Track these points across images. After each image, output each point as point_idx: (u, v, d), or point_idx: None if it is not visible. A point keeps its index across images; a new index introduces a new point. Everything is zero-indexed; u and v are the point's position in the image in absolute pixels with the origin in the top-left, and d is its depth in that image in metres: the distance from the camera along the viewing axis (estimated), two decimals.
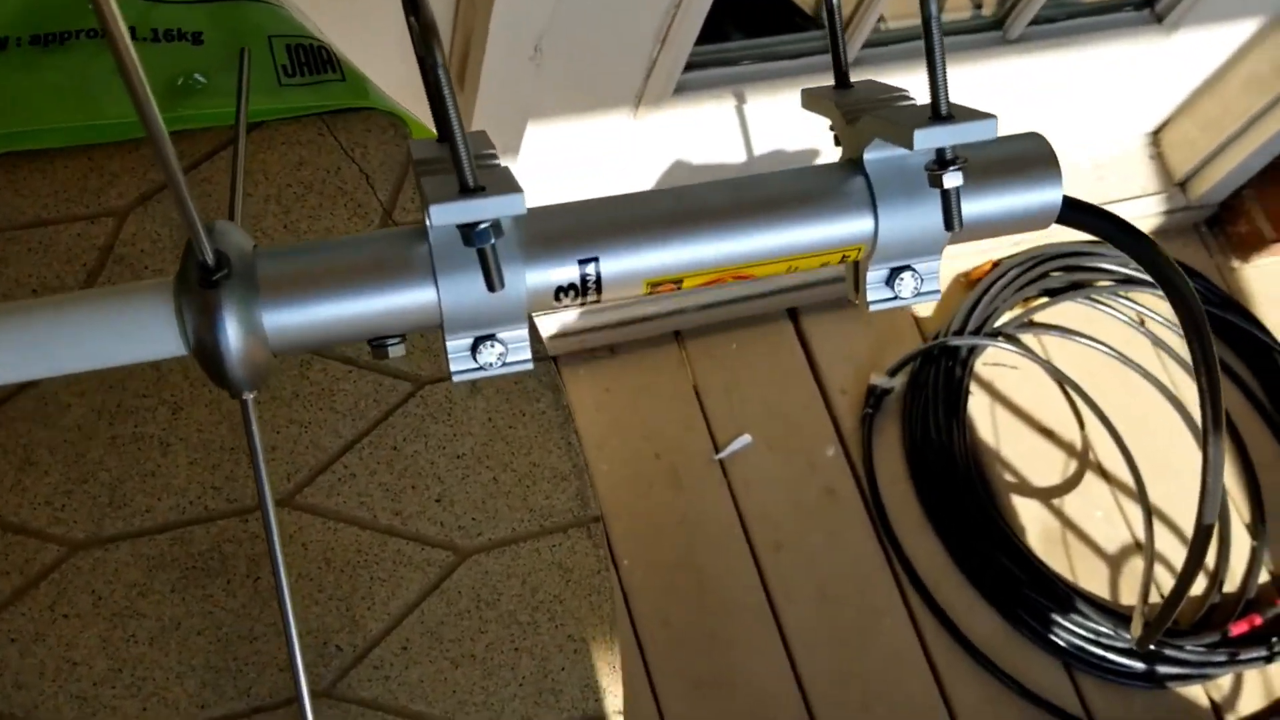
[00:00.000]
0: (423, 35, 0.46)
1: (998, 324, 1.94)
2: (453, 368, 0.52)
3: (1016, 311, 1.97)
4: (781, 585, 1.73)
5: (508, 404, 0.70)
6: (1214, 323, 2.02)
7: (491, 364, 0.52)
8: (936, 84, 0.50)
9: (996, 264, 1.97)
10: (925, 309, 1.95)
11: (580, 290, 0.52)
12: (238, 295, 0.49)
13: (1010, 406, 1.92)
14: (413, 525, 0.66)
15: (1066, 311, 1.98)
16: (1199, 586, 1.83)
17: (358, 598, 0.64)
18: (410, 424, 0.68)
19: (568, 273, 0.51)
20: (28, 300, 0.47)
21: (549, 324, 1.71)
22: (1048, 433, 1.91)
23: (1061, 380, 1.93)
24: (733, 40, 1.60)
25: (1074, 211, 0.58)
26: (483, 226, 0.46)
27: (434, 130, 0.87)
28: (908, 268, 0.57)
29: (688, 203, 0.54)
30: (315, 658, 0.62)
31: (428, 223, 0.48)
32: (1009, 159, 0.55)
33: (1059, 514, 1.84)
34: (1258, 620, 1.79)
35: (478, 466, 0.68)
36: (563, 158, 1.54)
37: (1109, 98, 1.93)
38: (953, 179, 0.50)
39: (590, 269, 0.52)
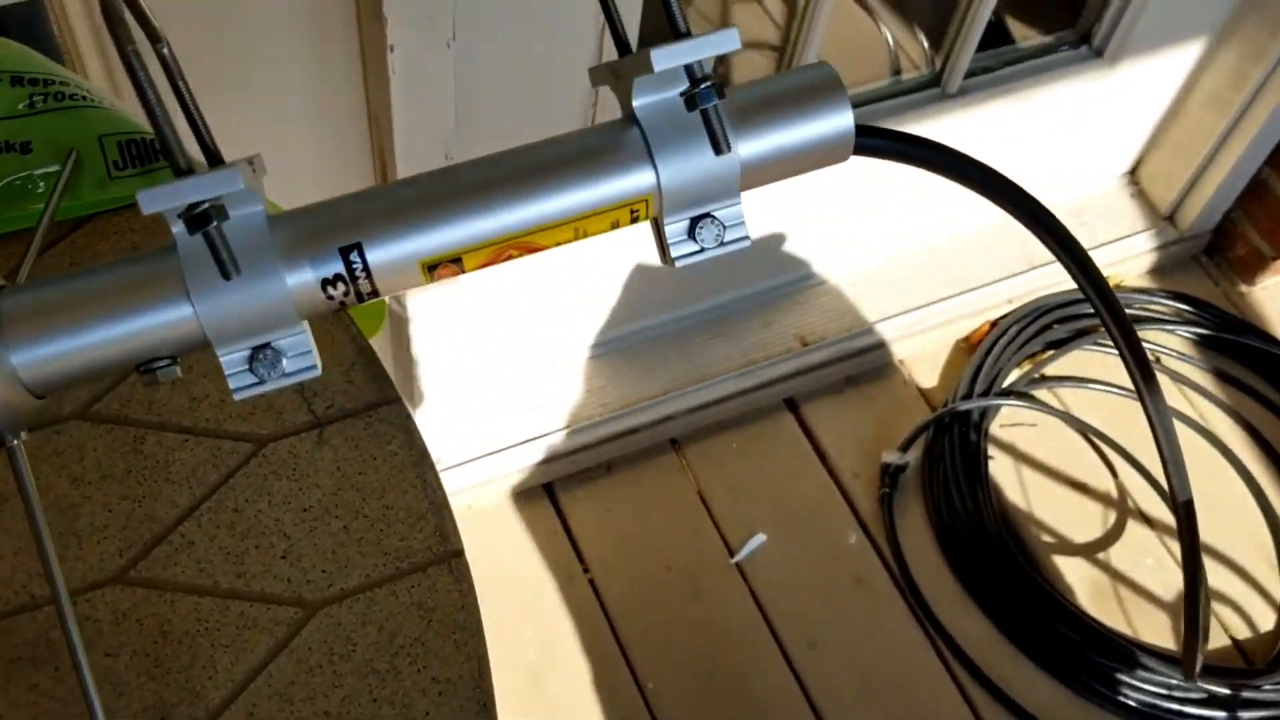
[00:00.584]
0: (108, 19, 0.44)
1: (1006, 383, 1.87)
2: (231, 385, 0.49)
3: (1024, 368, 1.90)
4: (821, 684, 1.62)
5: (356, 451, 0.66)
6: (1232, 348, 1.93)
7: (270, 374, 0.49)
8: (670, 4, 0.48)
9: (994, 324, 1.92)
10: (929, 378, 1.88)
11: (349, 280, 0.49)
12: None
13: (1035, 465, 1.82)
14: (257, 585, 0.61)
15: (1076, 361, 1.91)
16: (1267, 620, 1.69)
17: (198, 668, 0.59)
18: (252, 484, 0.65)
19: (330, 264, 0.48)
20: None
21: (535, 450, 1.67)
22: (1080, 486, 1.81)
23: (1085, 430, 1.84)
24: None
25: (870, 138, 0.55)
26: (201, 210, 0.44)
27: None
28: (707, 216, 0.53)
29: (453, 178, 0.51)
30: None
31: (173, 233, 0.46)
32: (791, 90, 0.52)
33: (1106, 568, 1.73)
34: None
35: (326, 517, 0.64)
36: (511, 277, 1.54)
37: (1071, 142, 1.90)
38: (706, 97, 0.47)
39: (354, 256, 0.49)
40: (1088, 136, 1.91)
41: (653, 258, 1.66)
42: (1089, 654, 1.62)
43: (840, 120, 0.51)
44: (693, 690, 1.61)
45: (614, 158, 0.50)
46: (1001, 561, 1.69)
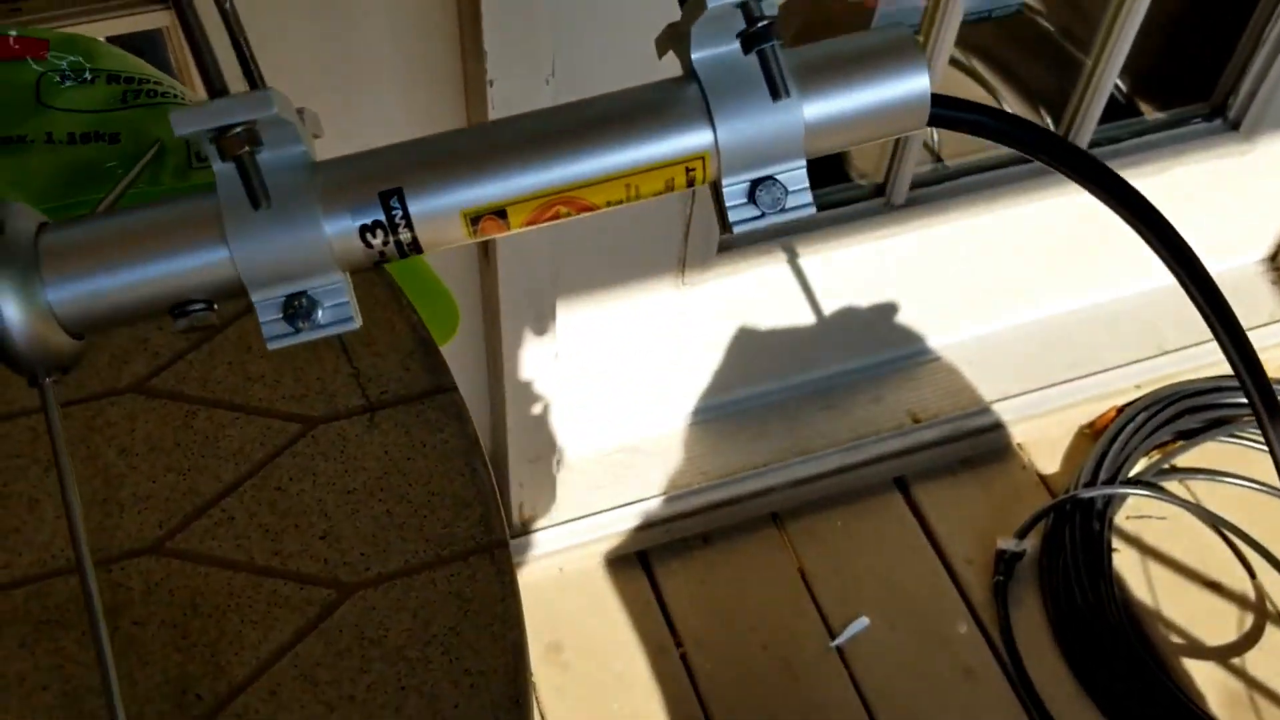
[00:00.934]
0: None
1: (1132, 473, 1.76)
2: (265, 334, 0.48)
3: (1152, 458, 1.79)
4: None
5: (407, 436, 0.64)
6: None
7: (305, 324, 0.47)
8: None
9: (1121, 410, 1.81)
10: (1049, 464, 1.79)
11: (389, 228, 0.47)
12: (13, 264, 0.45)
13: (1164, 560, 1.70)
14: (293, 564, 0.59)
15: (1209, 452, 1.79)
16: None
17: (225, 643, 0.56)
18: (298, 464, 0.62)
19: (370, 212, 0.47)
20: None
21: (630, 516, 1.63)
22: (1213, 585, 1.68)
23: (1219, 525, 1.72)
24: None
25: (948, 108, 0.51)
26: (235, 133, 0.42)
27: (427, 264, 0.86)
28: (769, 178, 0.50)
29: (501, 129, 0.49)
30: (172, 708, 0.54)
31: (215, 171, 0.45)
32: (862, 49, 0.49)
33: (1241, 674, 1.58)
34: None
35: (369, 500, 0.61)
36: (620, 343, 1.52)
37: (1205, 222, 1.81)
38: (763, 36, 0.45)
39: (395, 203, 0.47)
40: (1223, 217, 1.82)
41: (762, 319, 1.63)
42: None
43: (914, 83, 0.48)
44: None
45: (669, 111, 0.48)
46: (1125, 660, 1.57)
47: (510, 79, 1.08)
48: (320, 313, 0.48)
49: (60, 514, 0.60)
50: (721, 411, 1.73)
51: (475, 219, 0.48)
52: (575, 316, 1.46)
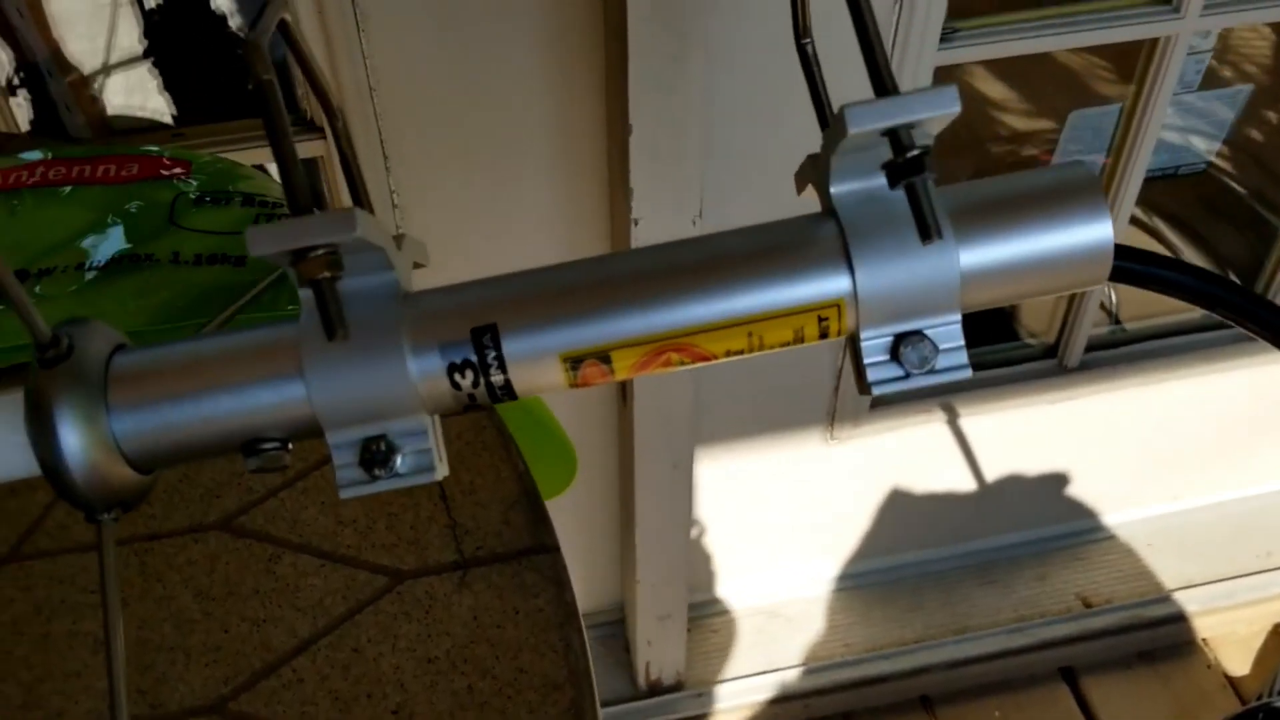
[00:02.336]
0: (248, 50, 0.41)
1: None
2: (339, 479, 0.43)
3: None
4: None
5: (499, 600, 0.57)
6: None
7: (384, 470, 0.42)
8: (873, 54, 0.40)
9: None
10: (1238, 664, 1.60)
11: (479, 368, 0.42)
12: (78, 388, 0.42)
13: None
14: None
15: None
16: None
17: None
18: (380, 623, 0.56)
19: (460, 348, 0.42)
20: None
21: (766, 686, 1.52)
22: None
23: None
24: None
25: (1131, 260, 0.44)
26: (316, 254, 0.38)
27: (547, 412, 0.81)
28: (916, 333, 0.43)
29: (608, 265, 0.44)
30: None
31: (301, 299, 0.41)
32: (1036, 188, 0.42)
33: None
34: None
35: (451, 673, 0.54)
36: (769, 500, 1.44)
37: None
38: (913, 167, 0.38)
39: (488, 340, 0.42)
40: None
41: (916, 481, 1.52)
42: None
43: (1095, 230, 0.40)
44: None
45: (801, 250, 0.41)
46: None
47: (656, 218, 1.04)
48: (399, 460, 0.42)
49: (125, 659, 0.55)
50: (870, 579, 1.61)
51: (575, 363, 0.42)
52: (716, 466, 1.38)
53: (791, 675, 1.53)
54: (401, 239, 0.45)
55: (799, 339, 0.43)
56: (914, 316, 0.42)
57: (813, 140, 0.42)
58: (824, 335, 0.42)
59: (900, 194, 0.38)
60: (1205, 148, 1.50)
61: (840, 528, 1.54)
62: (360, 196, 0.47)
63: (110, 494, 0.42)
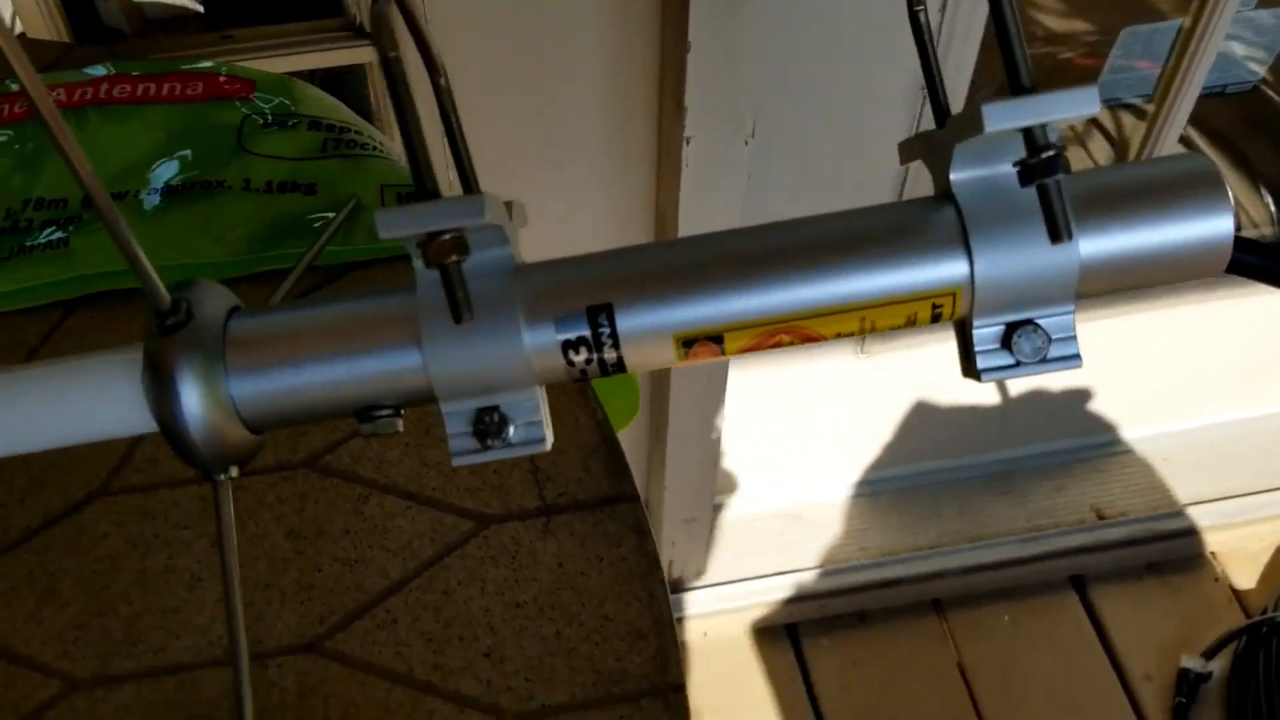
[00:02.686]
0: (375, 22, 0.40)
1: None
2: (452, 448, 0.43)
3: None
4: None
5: (582, 548, 0.59)
6: None
7: (497, 442, 0.43)
8: (1012, 51, 0.39)
9: None
10: (1245, 578, 1.64)
11: (594, 345, 0.42)
12: (198, 352, 0.42)
13: None
14: (453, 683, 0.54)
15: None
16: None
17: None
18: (467, 566, 0.58)
19: (575, 326, 0.42)
20: None
21: (782, 586, 1.56)
22: None
23: None
24: None
25: (1251, 254, 0.44)
26: (442, 240, 0.38)
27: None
28: (1028, 323, 0.43)
29: (725, 243, 0.44)
30: None
31: (415, 268, 0.41)
32: (1157, 179, 0.42)
33: None
34: None
35: (539, 618, 0.56)
36: (796, 406, 1.46)
37: None
38: (1049, 168, 0.38)
39: (603, 319, 0.42)
40: None
41: (942, 394, 1.53)
42: None
43: (1218, 224, 0.40)
44: None
45: (919, 238, 0.41)
46: None
47: (707, 138, 1.03)
48: (512, 430, 0.43)
49: (222, 596, 0.57)
50: (889, 486, 1.64)
51: (688, 343, 0.43)
52: (747, 376, 1.40)
53: (809, 576, 1.57)
54: (511, 207, 0.45)
55: (910, 323, 0.43)
56: (1028, 306, 0.42)
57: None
58: (936, 319, 0.43)
59: (1027, 188, 0.39)
60: (1256, 66, 1.47)
61: (864, 437, 1.57)
62: (463, 163, 0.47)
63: (226, 454, 0.43)
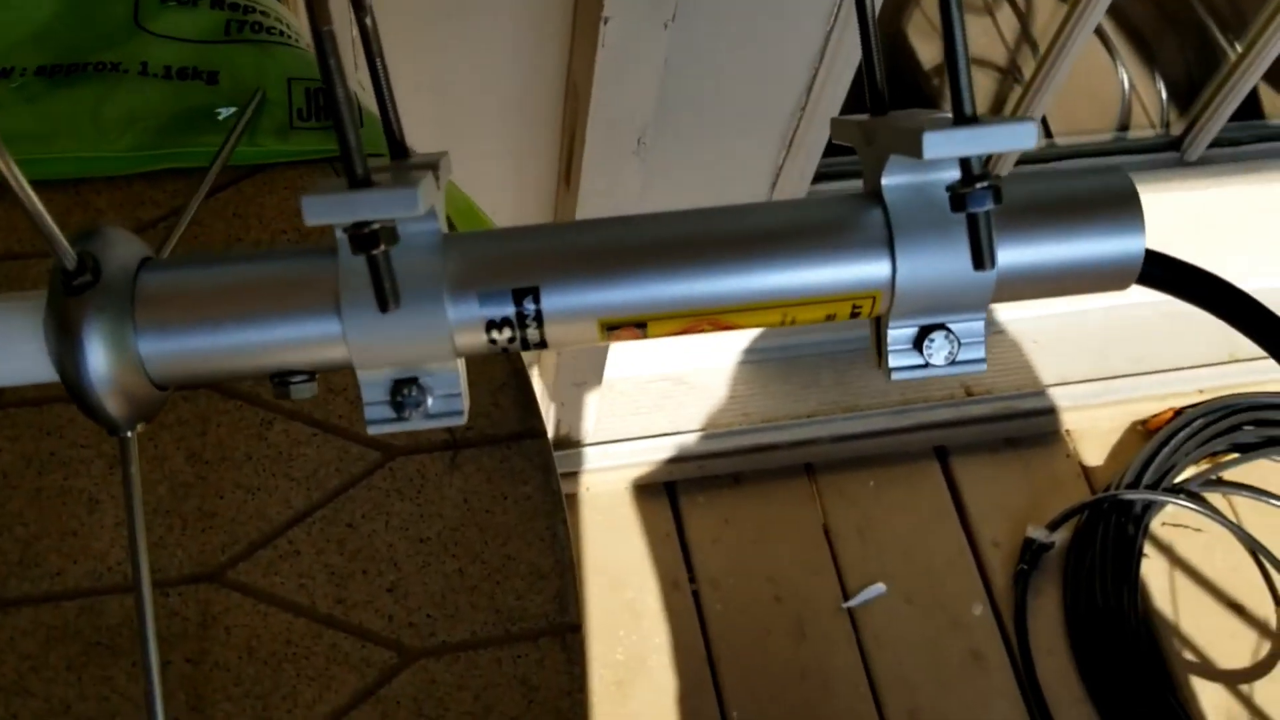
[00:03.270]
0: None
1: (1179, 479, 1.72)
2: (367, 416, 0.43)
3: (1202, 467, 1.75)
4: None
5: (488, 484, 0.60)
6: None
7: (413, 412, 0.43)
8: (959, 80, 0.38)
9: (1179, 412, 1.77)
10: (1094, 456, 1.75)
11: (517, 325, 0.42)
12: (106, 310, 0.41)
13: (1192, 574, 1.68)
14: (356, 616, 0.56)
15: (1261, 470, 1.75)
16: None
17: (278, 696, 0.54)
18: (373, 499, 0.59)
19: (500, 306, 0.42)
20: None
21: (664, 446, 1.61)
22: (1236, 607, 1.66)
23: (1255, 549, 1.69)
24: None
25: (1158, 268, 0.46)
26: (370, 229, 0.37)
27: (463, 192, 0.79)
28: (941, 327, 0.45)
29: (655, 229, 0.44)
30: None
31: (337, 236, 0.40)
32: (1075, 195, 0.43)
33: (1248, 703, 1.58)
34: None
35: (442, 554, 0.58)
36: None
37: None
38: (980, 200, 0.38)
39: (528, 303, 0.42)
40: None
41: None
42: None
43: (1129, 242, 0.42)
44: None
45: (846, 237, 0.42)
46: (1135, 671, 1.56)
47: (627, 18, 1.00)
48: (430, 402, 0.43)
49: (122, 522, 0.57)
50: (773, 355, 1.69)
51: (612, 327, 0.43)
52: None
53: (691, 438, 1.62)
54: (438, 166, 0.44)
55: (829, 319, 0.45)
56: (943, 312, 0.44)
57: None
58: (854, 316, 0.45)
59: (946, 195, 0.40)
60: None
61: None
62: (391, 122, 0.46)
63: (133, 411, 0.43)
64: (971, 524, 1.69)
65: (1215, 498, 1.73)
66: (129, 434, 0.44)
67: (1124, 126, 1.65)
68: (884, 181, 0.42)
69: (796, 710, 1.55)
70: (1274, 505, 1.71)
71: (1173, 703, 1.54)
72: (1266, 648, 1.63)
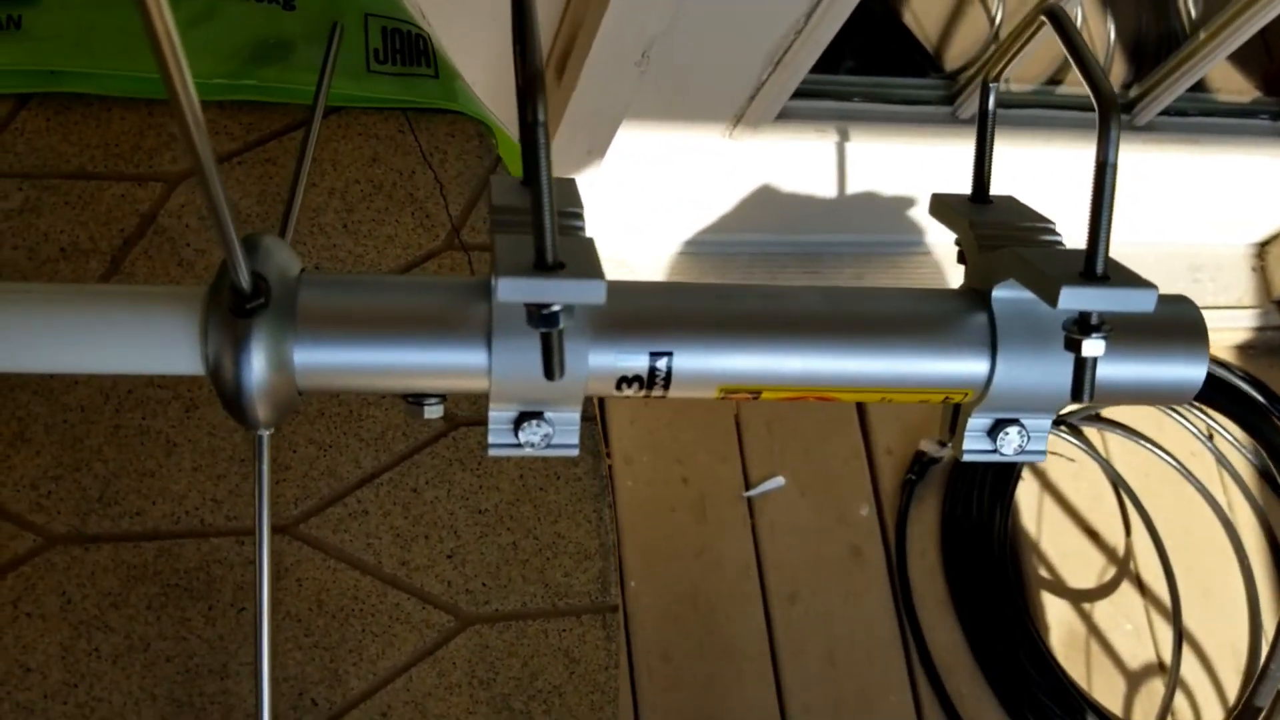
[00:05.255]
0: (526, 86, 0.40)
1: (1065, 411, 1.86)
2: (491, 439, 0.47)
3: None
4: (789, 641, 1.67)
5: (543, 464, 0.64)
6: None
7: (533, 444, 0.47)
8: (1098, 240, 0.43)
9: None
10: None
11: (646, 384, 0.46)
12: (271, 328, 0.43)
13: (1059, 499, 1.84)
14: (418, 579, 0.60)
15: (1137, 412, 1.90)
16: (1214, 718, 1.75)
17: (345, 649, 0.58)
18: (436, 466, 0.62)
19: (636, 363, 0.45)
20: (40, 286, 0.41)
21: None
22: (1092, 533, 1.83)
23: (1116, 482, 1.85)
24: (847, 74, 1.52)
25: (1214, 392, 0.52)
26: (552, 310, 0.40)
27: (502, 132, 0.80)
28: (1015, 422, 0.50)
29: (781, 305, 0.48)
30: (288, 709, 0.56)
31: (493, 283, 0.42)
32: (1153, 323, 0.48)
33: (1087, 619, 1.76)
34: None
35: (498, 526, 0.62)
36: (652, 167, 1.48)
37: (1222, 201, 1.83)
38: (1093, 347, 0.43)
39: (661, 364, 0.46)
40: (1238, 201, 1.84)
41: (784, 183, 1.60)
42: (1042, 695, 1.67)
43: (1194, 370, 0.48)
44: (669, 602, 1.64)
45: (952, 336, 0.47)
46: (993, 581, 1.72)
47: None
48: (552, 436, 0.48)
49: (199, 465, 0.59)
50: (713, 249, 1.73)
51: (730, 391, 0.48)
52: (621, 135, 1.41)
53: None
54: (585, 229, 0.47)
55: (921, 401, 0.50)
56: (1021, 411, 0.50)
57: None
58: (943, 403, 0.50)
59: (1055, 314, 0.45)
60: None
61: (707, 205, 1.62)
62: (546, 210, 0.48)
63: (275, 414, 0.46)
64: (870, 431, 1.80)
65: (1092, 432, 1.87)
66: (266, 434, 0.47)
67: (1054, 81, 1.70)
68: (996, 293, 0.47)
69: (689, 583, 1.66)
70: (1141, 445, 1.87)
71: (1022, 613, 1.71)
72: (1111, 572, 1.81)
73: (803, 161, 1.53)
